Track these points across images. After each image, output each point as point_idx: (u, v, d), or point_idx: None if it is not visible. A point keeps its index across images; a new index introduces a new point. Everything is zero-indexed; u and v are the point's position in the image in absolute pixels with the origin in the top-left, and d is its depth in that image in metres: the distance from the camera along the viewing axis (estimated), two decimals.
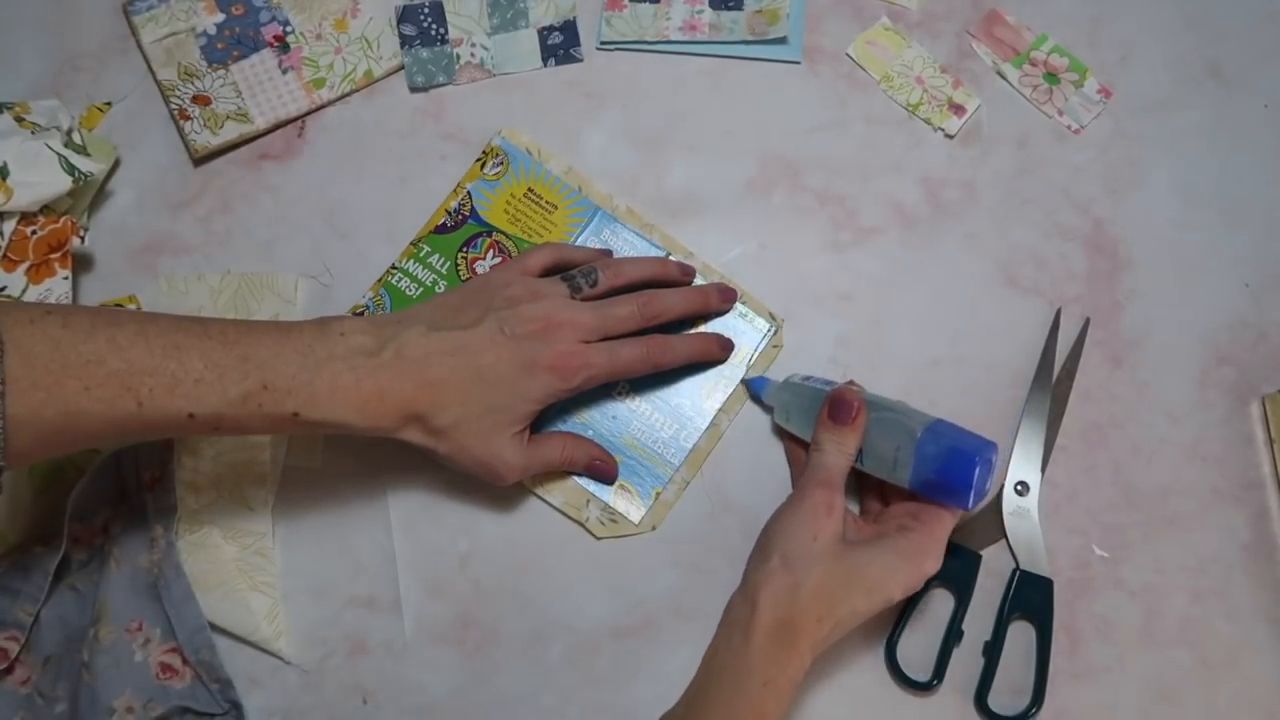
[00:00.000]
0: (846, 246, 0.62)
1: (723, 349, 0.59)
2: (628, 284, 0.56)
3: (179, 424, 0.46)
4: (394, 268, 0.60)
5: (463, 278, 0.60)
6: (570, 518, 0.57)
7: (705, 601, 0.56)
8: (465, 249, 0.61)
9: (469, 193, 0.62)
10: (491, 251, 0.60)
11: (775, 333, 0.60)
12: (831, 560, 0.49)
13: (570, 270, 0.56)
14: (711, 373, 0.59)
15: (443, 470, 0.56)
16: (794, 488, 0.54)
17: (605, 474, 0.57)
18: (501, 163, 0.62)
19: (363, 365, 0.49)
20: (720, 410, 0.59)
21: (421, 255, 0.60)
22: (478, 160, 0.62)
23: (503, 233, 0.61)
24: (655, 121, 0.64)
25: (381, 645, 0.56)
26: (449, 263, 0.60)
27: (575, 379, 0.52)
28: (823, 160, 0.63)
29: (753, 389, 0.58)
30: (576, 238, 0.61)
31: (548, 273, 0.56)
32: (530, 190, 0.62)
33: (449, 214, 0.61)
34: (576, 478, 0.57)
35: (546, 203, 0.61)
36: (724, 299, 0.59)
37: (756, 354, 0.59)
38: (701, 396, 0.59)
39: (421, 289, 0.60)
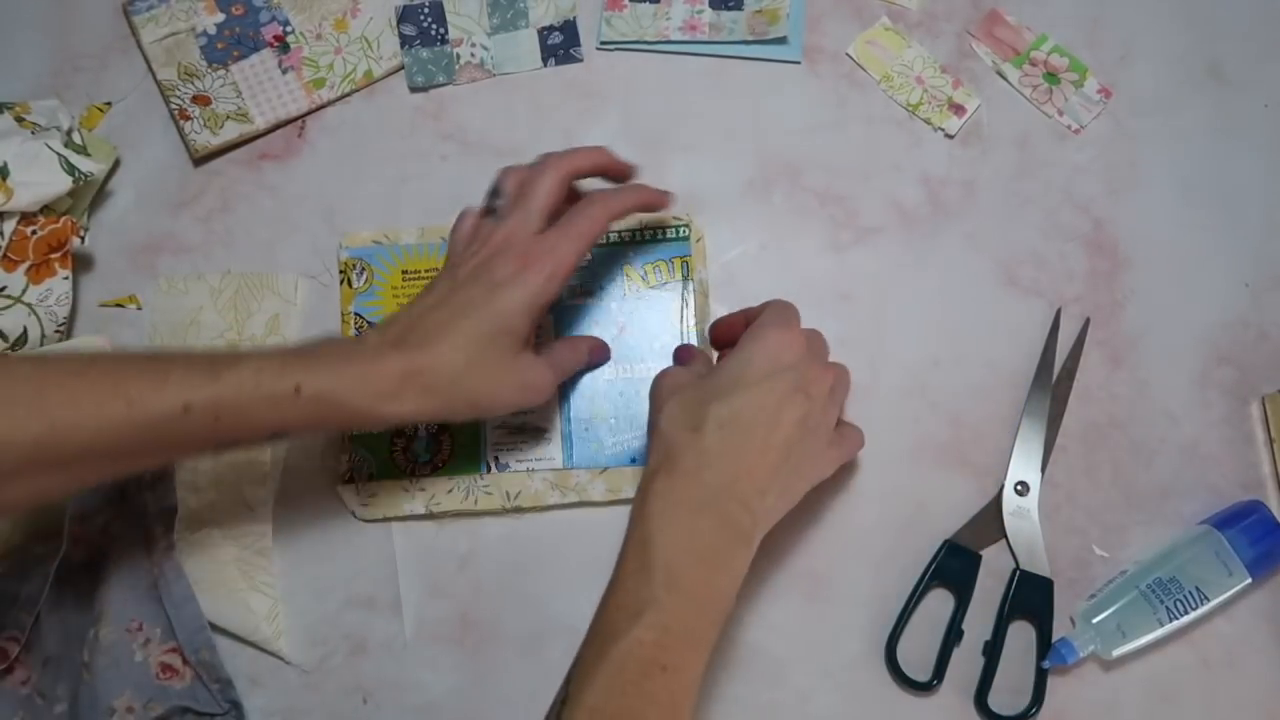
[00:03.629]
0: (846, 246, 0.62)
1: (662, 195, 0.56)
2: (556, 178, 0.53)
3: (174, 419, 0.43)
4: None
5: None
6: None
7: None
8: None
9: (355, 314, 0.60)
10: None
11: (689, 231, 0.61)
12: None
13: (486, 200, 0.54)
14: (659, 311, 0.60)
15: None
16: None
17: (601, 354, 0.58)
18: (363, 270, 0.61)
19: (354, 350, 0.48)
20: (691, 334, 0.59)
21: None
22: (342, 282, 0.61)
23: None
24: (655, 121, 0.64)
25: (381, 645, 0.56)
26: None
27: (546, 267, 0.49)
28: (823, 160, 0.63)
29: (1062, 657, 0.53)
30: None
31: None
32: (404, 273, 0.61)
33: None
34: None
35: (426, 272, 0.60)
36: (661, 197, 0.56)
37: (694, 272, 0.60)
38: (659, 331, 0.60)
39: None
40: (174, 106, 0.64)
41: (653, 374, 0.59)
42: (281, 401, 0.45)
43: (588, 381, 0.59)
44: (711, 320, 0.59)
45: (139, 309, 0.61)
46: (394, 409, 0.47)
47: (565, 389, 0.59)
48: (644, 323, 0.60)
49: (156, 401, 0.43)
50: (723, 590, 0.46)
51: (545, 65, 0.65)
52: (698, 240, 0.61)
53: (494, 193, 0.53)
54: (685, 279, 0.60)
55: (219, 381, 0.44)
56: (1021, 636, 0.55)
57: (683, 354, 0.57)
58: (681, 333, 0.60)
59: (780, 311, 0.52)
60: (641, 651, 0.43)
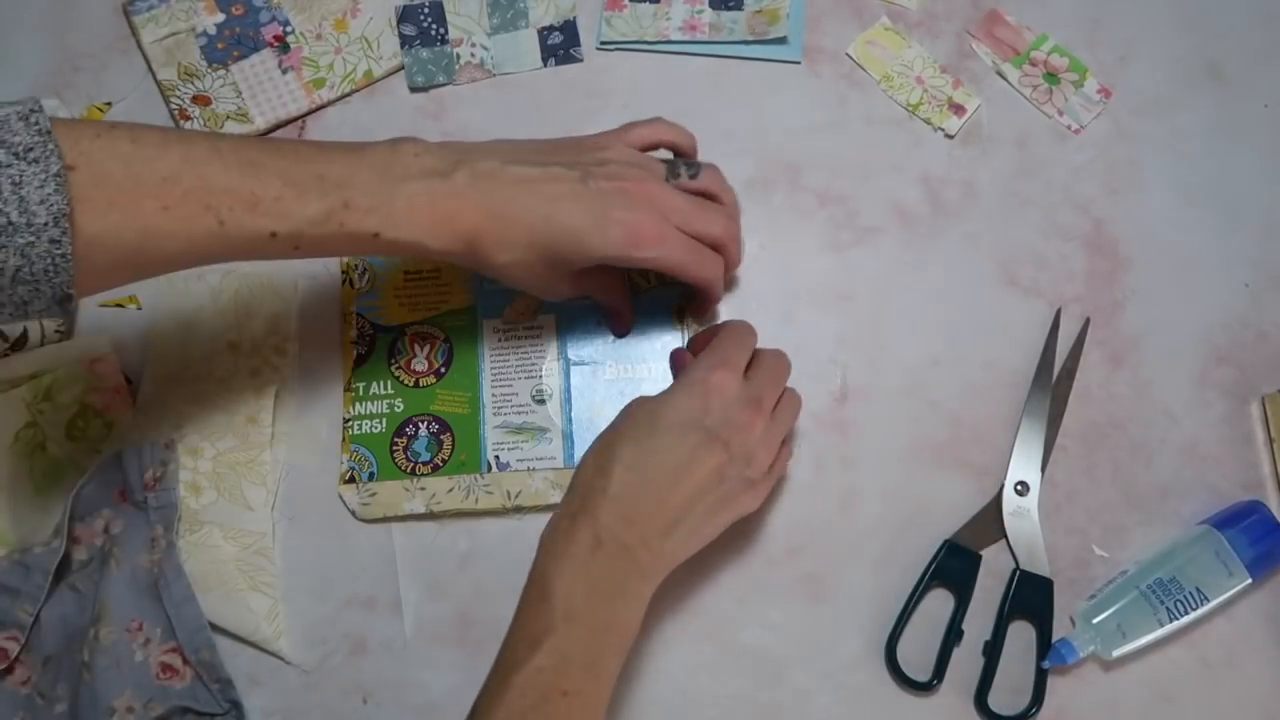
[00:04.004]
0: (846, 246, 0.62)
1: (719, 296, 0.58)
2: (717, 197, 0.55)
3: (260, 243, 0.45)
4: (347, 421, 0.59)
5: (407, 386, 0.59)
6: None
7: (706, 601, 0.56)
8: (392, 361, 0.59)
9: (358, 314, 0.60)
10: (417, 345, 0.59)
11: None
12: None
13: (679, 158, 0.55)
14: (659, 310, 0.60)
15: None
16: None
17: (619, 322, 0.59)
18: (364, 270, 0.61)
19: (439, 186, 0.48)
20: (689, 333, 0.59)
21: (361, 394, 0.59)
22: (344, 282, 0.61)
23: (412, 324, 0.60)
24: None
25: (381, 645, 0.56)
26: (389, 381, 0.59)
27: (647, 249, 0.50)
28: (823, 160, 0.63)
29: (1062, 657, 0.53)
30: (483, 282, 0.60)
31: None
32: (406, 273, 0.60)
33: (356, 344, 0.60)
34: None
35: (427, 273, 0.60)
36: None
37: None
38: (659, 331, 0.60)
39: (386, 418, 0.58)
40: (174, 106, 0.64)
41: (653, 374, 0.59)
42: (360, 241, 0.47)
43: (588, 381, 0.59)
44: (698, 329, 0.59)
45: (139, 309, 0.61)
46: (456, 260, 0.50)
47: (566, 389, 0.59)
48: (645, 323, 0.60)
49: (246, 223, 0.44)
50: (622, 621, 0.46)
51: (545, 65, 0.65)
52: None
53: (691, 166, 0.54)
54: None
55: (306, 212, 0.45)
56: (1021, 636, 0.55)
57: (677, 358, 0.57)
58: (682, 334, 0.60)
59: (723, 347, 0.51)
60: (541, 679, 0.43)
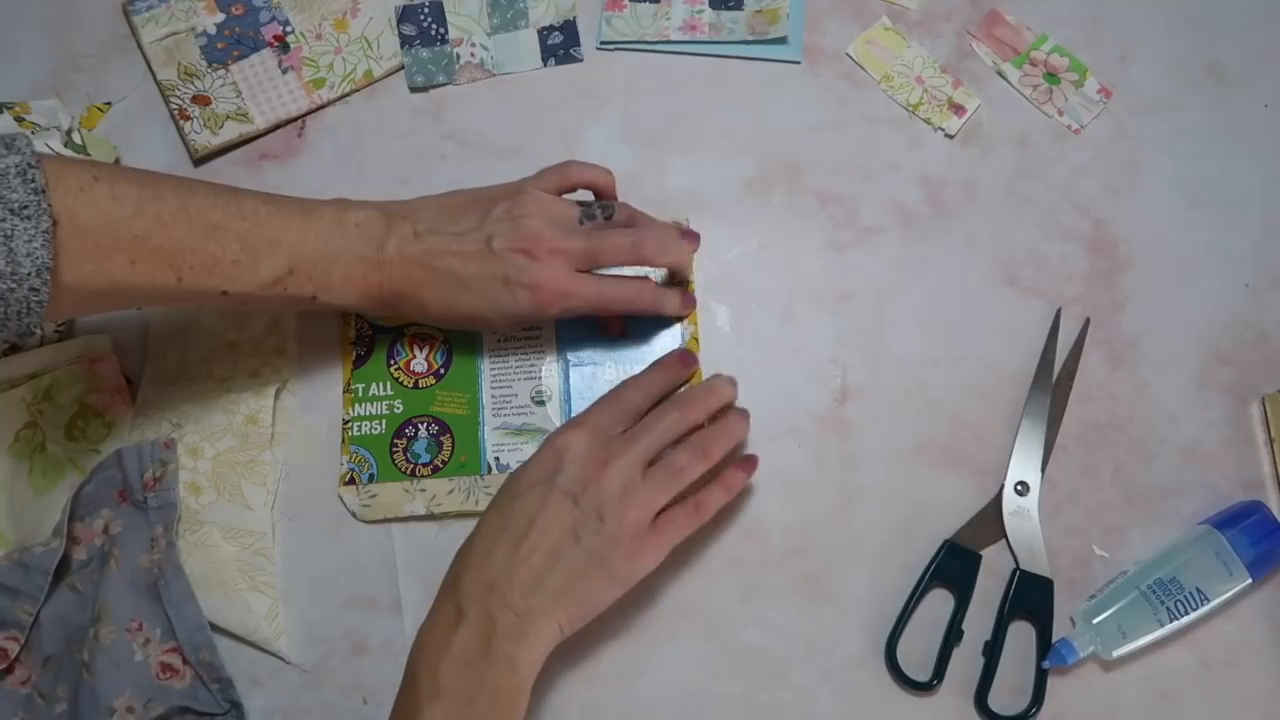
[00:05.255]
0: (846, 246, 0.62)
1: (688, 306, 0.59)
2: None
3: (211, 298, 0.50)
4: (347, 422, 0.59)
5: (406, 387, 0.59)
6: None
7: (706, 601, 0.56)
8: (392, 362, 0.59)
9: (357, 315, 0.60)
10: (417, 346, 0.59)
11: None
12: None
13: (594, 201, 0.56)
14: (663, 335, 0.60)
15: None
16: None
17: (611, 325, 0.60)
18: None
19: (371, 257, 0.52)
20: (686, 333, 0.60)
21: (360, 395, 0.59)
22: None
23: (411, 325, 0.60)
24: (655, 121, 0.64)
25: (381, 645, 0.56)
26: (389, 383, 0.59)
27: (553, 307, 0.53)
28: (823, 160, 0.63)
29: (1062, 657, 0.53)
30: None
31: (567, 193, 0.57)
32: None
33: (355, 345, 0.60)
34: None
35: None
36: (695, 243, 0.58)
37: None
38: (658, 331, 0.60)
39: (386, 419, 0.58)
40: (174, 106, 0.64)
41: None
42: (300, 302, 0.52)
43: (588, 382, 0.59)
44: (694, 328, 0.59)
45: (139, 309, 0.61)
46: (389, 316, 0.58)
47: (565, 390, 0.59)
48: (644, 324, 0.60)
49: (201, 282, 0.49)
50: (497, 687, 0.46)
51: (545, 65, 0.65)
52: (694, 304, 0.60)
53: (607, 208, 0.55)
54: (679, 281, 0.60)
55: (256, 277, 0.50)
56: (1021, 636, 0.55)
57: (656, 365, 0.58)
58: (681, 335, 0.60)
59: (594, 406, 0.53)
60: None
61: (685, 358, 0.56)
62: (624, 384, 0.54)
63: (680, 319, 0.60)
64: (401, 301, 0.54)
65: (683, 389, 0.56)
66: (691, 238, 0.57)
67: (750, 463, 0.54)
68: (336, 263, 0.52)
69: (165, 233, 0.47)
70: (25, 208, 0.43)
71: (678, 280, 0.60)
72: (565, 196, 0.56)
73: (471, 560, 0.48)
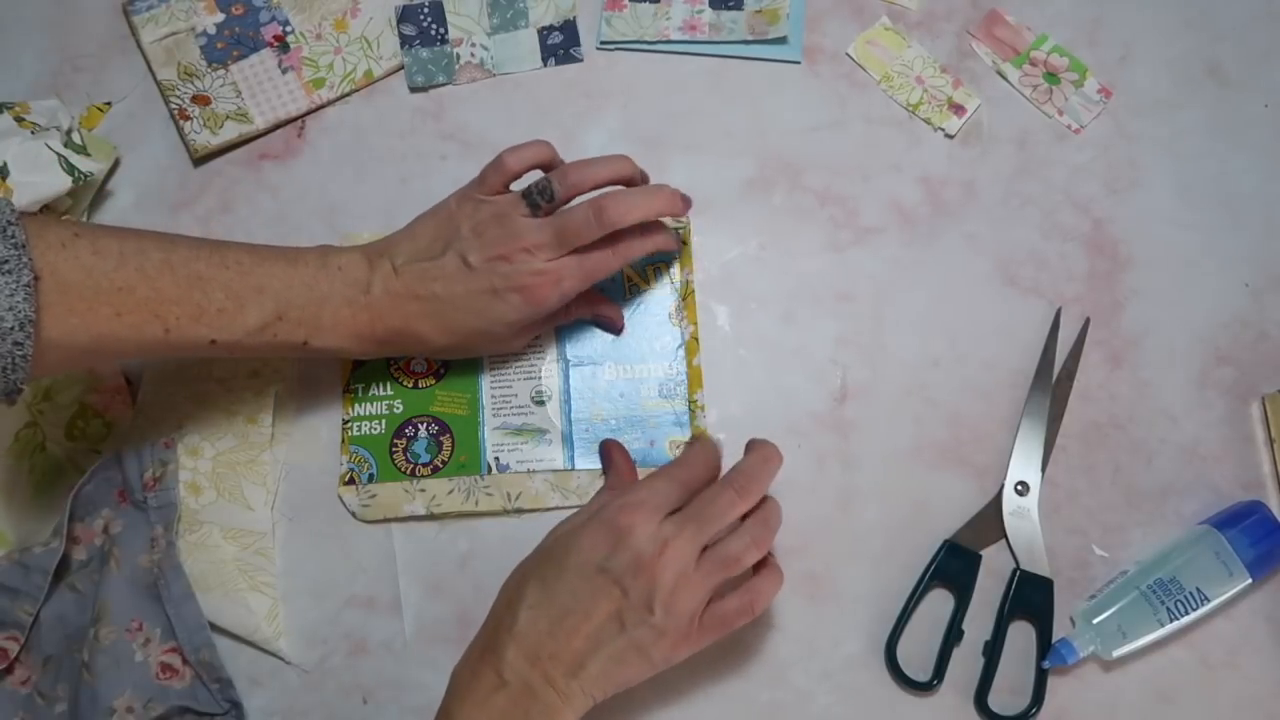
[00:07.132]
0: (846, 246, 0.62)
1: (685, 203, 0.56)
2: (594, 187, 0.54)
3: (201, 348, 0.50)
4: (346, 422, 0.59)
5: (406, 387, 0.59)
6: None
7: None
8: (392, 362, 0.59)
9: None
10: None
11: (681, 230, 0.61)
12: None
13: (529, 186, 0.54)
14: (657, 311, 0.60)
15: None
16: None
17: (610, 325, 0.60)
18: None
19: (358, 299, 0.52)
20: (686, 333, 0.60)
21: (360, 395, 0.59)
22: None
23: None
24: (655, 121, 0.64)
25: (381, 645, 0.56)
26: (388, 383, 0.59)
27: (548, 301, 0.53)
28: (823, 160, 0.63)
29: (1062, 657, 0.53)
30: None
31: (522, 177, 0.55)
32: None
33: None
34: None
35: None
36: (684, 201, 0.56)
37: (679, 273, 0.60)
38: (658, 331, 0.60)
39: (386, 419, 0.58)
40: (174, 106, 0.64)
41: (653, 374, 0.59)
42: (291, 348, 0.52)
43: (588, 382, 0.59)
44: (693, 328, 0.59)
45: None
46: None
47: (565, 390, 0.59)
48: (644, 323, 0.60)
49: (189, 332, 0.49)
50: None
51: (545, 65, 0.65)
52: (683, 243, 0.61)
53: (543, 190, 0.53)
54: (677, 281, 0.60)
55: (244, 324, 0.50)
56: (1021, 636, 0.55)
57: (606, 452, 0.57)
58: (681, 335, 0.60)
59: (650, 482, 0.50)
60: None
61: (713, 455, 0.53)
62: (693, 455, 0.52)
63: (676, 253, 0.60)
64: (398, 339, 0.54)
65: (699, 441, 0.55)
66: (685, 199, 0.56)
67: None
68: (324, 306, 0.52)
69: (149, 285, 0.47)
70: (5, 262, 0.43)
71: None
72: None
73: (516, 630, 0.47)
